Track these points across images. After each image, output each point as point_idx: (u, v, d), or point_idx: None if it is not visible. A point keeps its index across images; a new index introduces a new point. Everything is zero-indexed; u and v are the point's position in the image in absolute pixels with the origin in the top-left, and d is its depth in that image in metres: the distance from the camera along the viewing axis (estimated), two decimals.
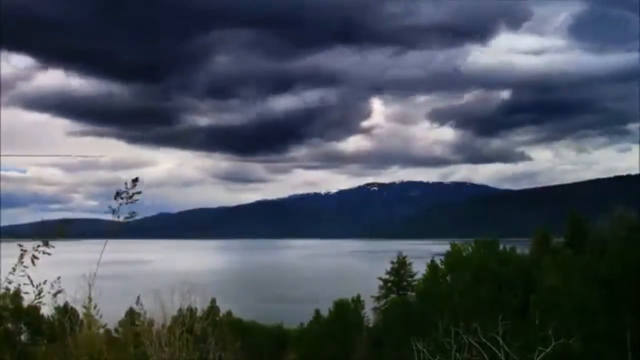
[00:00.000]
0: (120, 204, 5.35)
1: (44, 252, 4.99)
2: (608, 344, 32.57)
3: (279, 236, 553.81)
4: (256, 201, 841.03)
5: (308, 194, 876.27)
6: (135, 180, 5.36)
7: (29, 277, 5.05)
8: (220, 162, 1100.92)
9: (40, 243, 4.99)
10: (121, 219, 5.36)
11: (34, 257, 4.95)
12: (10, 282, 5.08)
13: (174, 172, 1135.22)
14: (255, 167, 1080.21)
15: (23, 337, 45.66)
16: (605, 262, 37.41)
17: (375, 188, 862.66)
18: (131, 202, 5.36)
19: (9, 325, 43.20)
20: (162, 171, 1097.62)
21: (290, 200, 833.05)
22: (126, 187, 5.35)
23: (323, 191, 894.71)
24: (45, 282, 5.48)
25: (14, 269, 4.97)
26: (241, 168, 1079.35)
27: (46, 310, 42.50)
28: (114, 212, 5.33)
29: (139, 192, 5.36)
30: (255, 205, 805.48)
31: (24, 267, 4.97)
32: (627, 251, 37.11)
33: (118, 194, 5.33)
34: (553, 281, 37.83)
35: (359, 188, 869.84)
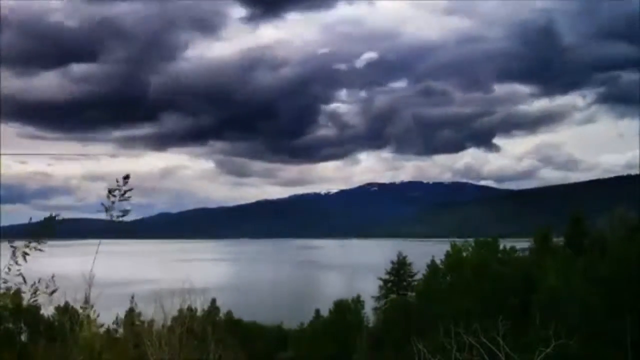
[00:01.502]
0: (113, 202, 5.25)
1: (35, 249, 4.95)
2: (608, 344, 32.58)
3: (279, 236, 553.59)
4: (256, 201, 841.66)
5: (308, 194, 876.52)
6: (127, 178, 5.25)
7: (22, 275, 5.01)
8: (218, 159, 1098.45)
9: (32, 241, 4.95)
10: (114, 217, 5.26)
11: (25, 254, 4.91)
12: (5, 282, 5.04)
13: (173, 172, 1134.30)
14: (254, 163, 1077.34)
15: (23, 337, 45.68)
16: (605, 262, 37.40)
17: (376, 188, 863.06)
18: (124, 200, 5.26)
19: (9, 325, 43.24)
20: (161, 170, 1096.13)
21: (290, 200, 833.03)
22: (118, 185, 5.25)
23: (323, 191, 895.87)
24: (39, 281, 5.42)
25: (9, 269, 4.94)
26: (240, 165, 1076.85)
27: (46, 310, 42.61)
28: (107, 210, 5.24)
29: (131, 189, 5.25)
30: (255, 205, 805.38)
31: (18, 264, 4.93)
32: (627, 251, 37.09)
33: (110, 192, 5.24)
34: (553, 281, 37.79)
35: (359, 188, 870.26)
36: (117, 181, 5.26)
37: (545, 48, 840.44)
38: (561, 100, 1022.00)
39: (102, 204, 5.25)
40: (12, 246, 4.94)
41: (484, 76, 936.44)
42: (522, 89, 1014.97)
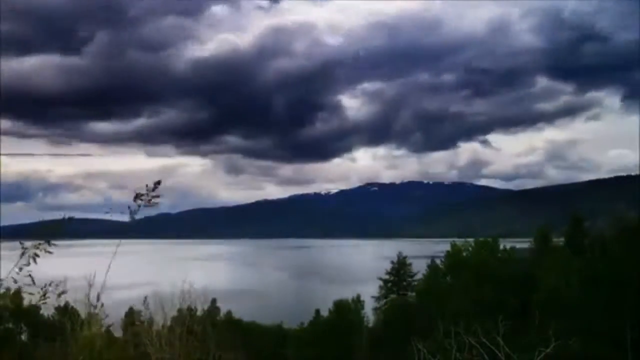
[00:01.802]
0: (139, 206, 5.36)
1: (45, 251, 4.95)
2: (608, 344, 32.56)
3: (279, 236, 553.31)
4: (256, 201, 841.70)
5: (308, 194, 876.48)
6: (158, 183, 5.37)
7: (31, 277, 5.01)
8: (219, 159, 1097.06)
9: (42, 242, 4.95)
10: (130, 219, 5.35)
11: (35, 255, 4.91)
12: (15, 282, 5.02)
13: (173, 171, 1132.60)
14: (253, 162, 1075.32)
15: (23, 337, 45.72)
16: (605, 262, 37.37)
17: (376, 188, 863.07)
18: (149, 206, 5.37)
19: (9, 325, 43.26)
20: (160, 169, 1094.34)
21: (290, 200, 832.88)
22: (147, 190, 5.35)
23: (323, 191, 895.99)
24: (50, 284, 5.45)
25: (20, 269, 4.92)
26: (240, 164, 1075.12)
27: (46, 310, 42.63)
28: (131, 213, 5.34)
29: (158, 196, 5.37)
30: (254, 205, 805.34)
31: (26, 265, 4.93)
32: (627, 251, 37.07)
33: (137, 196, 5.33)
34: (553, 281, 37.79)
35: (359, 188, 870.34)
36: (147, 186, 5.36)
37: (571, 43, 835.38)
38: (584, 97, 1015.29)
39: (129, 207, 5.33)
40: (23, 247, 4.93)
41: (495, 73, 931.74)
42: (544, 83, 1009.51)
